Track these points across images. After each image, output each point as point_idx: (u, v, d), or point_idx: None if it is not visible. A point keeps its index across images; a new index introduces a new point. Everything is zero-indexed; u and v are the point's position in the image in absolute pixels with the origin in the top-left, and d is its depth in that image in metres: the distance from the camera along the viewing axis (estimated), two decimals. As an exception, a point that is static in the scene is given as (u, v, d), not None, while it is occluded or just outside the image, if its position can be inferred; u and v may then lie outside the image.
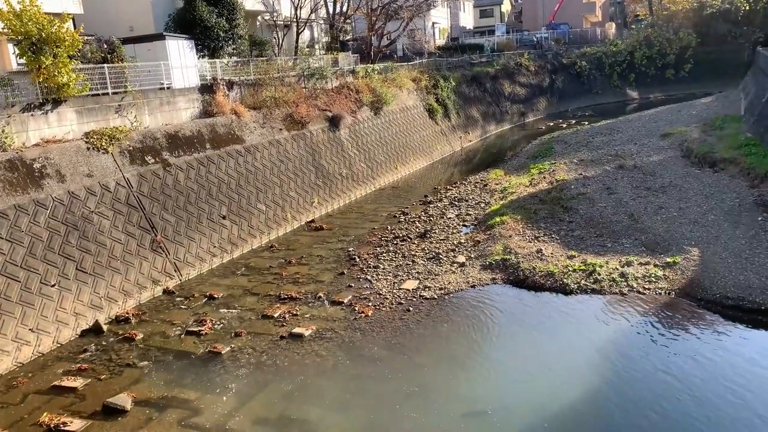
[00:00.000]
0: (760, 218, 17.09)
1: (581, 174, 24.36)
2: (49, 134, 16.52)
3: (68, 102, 17.03)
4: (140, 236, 16.90)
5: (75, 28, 17.91)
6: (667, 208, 18.94)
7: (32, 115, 16.13)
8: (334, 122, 27.61)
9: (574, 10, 75.55)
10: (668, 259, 15.32)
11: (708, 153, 23.81)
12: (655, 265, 15.17)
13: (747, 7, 52.30)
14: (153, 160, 18.43)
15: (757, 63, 39.56)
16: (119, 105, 18.65)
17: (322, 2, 37.05)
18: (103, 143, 17.17)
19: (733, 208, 18.23)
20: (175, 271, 17.36)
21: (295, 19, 33.17)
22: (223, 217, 19.71)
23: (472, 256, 17.48)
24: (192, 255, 18.10)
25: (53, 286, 14.22)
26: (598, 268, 15.27)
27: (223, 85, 22.97)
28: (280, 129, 24.32)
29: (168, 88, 20.90)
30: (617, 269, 15.21)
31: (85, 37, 18.84)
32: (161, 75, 20.77)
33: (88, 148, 16.81)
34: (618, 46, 57.13)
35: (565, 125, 42.78)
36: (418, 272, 16.66)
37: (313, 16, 36.11)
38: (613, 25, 76.06)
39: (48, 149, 15.79)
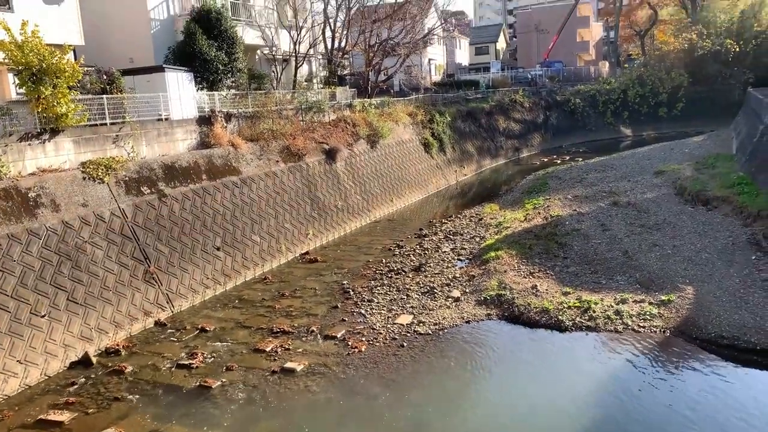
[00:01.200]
0: (753, 257, 17.14)
1: (576, 210, 24.48)
2: (46, 163, 16.54)
3: (66, 132, 17.10)
4: (133, 267, 16.78)
5: (76, 59, 18.11)
6: (662, 246, 18.99)
7: (29, 144, 16.17)
8: (330, 155, 27.79)
9: (568, 49, 77.16)
10: (663, 297, 15.29)
11: (701, 191, 24.01)
12: (650, 303, 15.12)
13: (737, 49, 53.41)
14: (149, 191, 18.43)
15: (748, 103, 40.28)
16: (117, 135, 18.74)
17: (320, 38, 37.65)
18: (99, 173, 17.19)
19: (726, 246, 18.29)
20: (167, 302, 17.20)
21: (294, 54, 33.65)
22: (218, 249, 19.63)
23: (467, 290, 17.41)
24: (185, 286, 17.96)
25: (43, 316, 14.04)
26: (593, 305, 15.22)
27: (221, 117, 23.17)
28: (277, 161, 24.43)
29: (166, 119, 21.04)
30: (612, 306, 15.16)
31: (86, 68, 19.02)
32: (159, 106, 20.92)
33: (84, 178, 16.82)
34: (611, 85, 58.19)
35: (559, 161, 43.18)
36: (412, 306, 16.56)
37: (311, 51, 36.65)
38: (607, 63, 77.63)
39: (44, 178, 15.78)
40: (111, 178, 17.50)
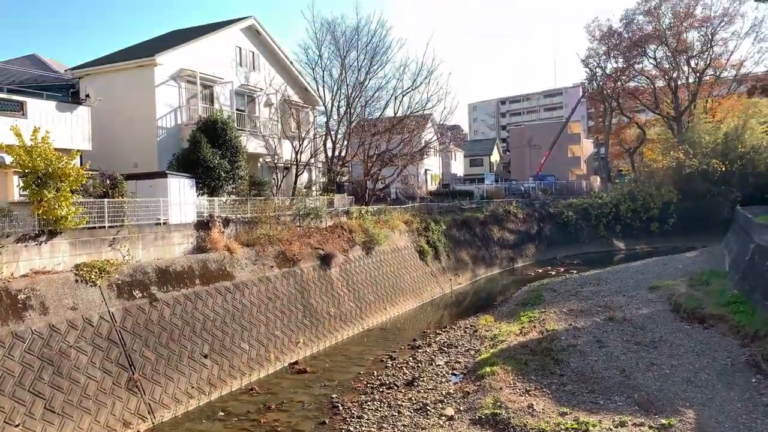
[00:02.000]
0: (753, 380, 16.74)
1: (571, 324, 24.19)
2: (40, 265, 16.51)
3: (64, 234, 17.23)
4: (117, 374, 16.27)
5: (81, 163, 18.63)
6: (659, 365, 18.58)
7: (26, 245, 16.23)
8: (325, 260, 27.87)
9: (560, 163, 80.00)
10: (663, 421, 14.73)
11: (696, 308, 23.87)
12: (650, 427, 14.53)
13: (723, 169, 55.20)
14: (140, 295, 18.26)
15: (737, 221, 41.13)
16: (114, 238, 18.87)
17: (321, 148, 39.03)
18: (92, 276, 17.12)
19: (725, 367, 17.92)
20: (148, 412, 16.50)
21: (295, 162, 34.72)
22: (205, 356, 19.14)
23: (461, 408, 16.80)
24: (168, 396, 17.31)
25: (17, 426, 13.40)
26: (591, 428, 14.61)
27: (219, 222, 23.47)
28: (272, 266, 24.44)
29: (164, 223, 21.29)
30: (611, 429, 14.55)
31: (90, 173, 19.50)
32: (159, 211, 21.25)
33: (77, 281, 16.73)
34: (603, 199, 59.59)
35: (554, 272, 43.25)
36: (403, 425, 15.88)
37: (312, 160, 37.84)
38: (598, 178, 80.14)
39: (35, 280, 15.69)
40: (104, 281, 17.41)
